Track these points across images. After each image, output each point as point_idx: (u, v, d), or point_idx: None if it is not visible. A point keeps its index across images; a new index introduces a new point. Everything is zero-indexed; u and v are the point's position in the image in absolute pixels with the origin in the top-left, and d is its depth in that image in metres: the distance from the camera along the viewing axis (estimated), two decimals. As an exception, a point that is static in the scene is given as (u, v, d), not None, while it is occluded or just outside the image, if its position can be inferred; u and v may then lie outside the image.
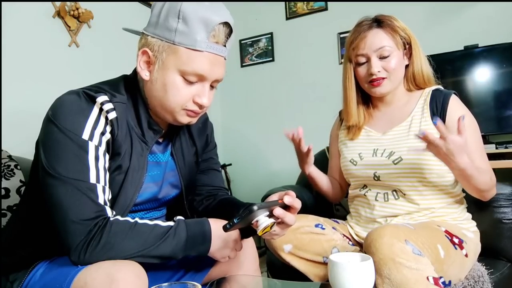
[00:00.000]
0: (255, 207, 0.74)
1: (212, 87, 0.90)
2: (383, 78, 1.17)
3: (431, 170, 1.13)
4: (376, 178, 1.19)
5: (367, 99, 1.30)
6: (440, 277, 0.93)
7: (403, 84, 1.25)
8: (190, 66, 0.83)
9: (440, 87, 1.24)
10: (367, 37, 1.17)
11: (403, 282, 0.88)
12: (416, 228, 1.00)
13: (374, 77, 1.17)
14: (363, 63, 1.20)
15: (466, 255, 1.07)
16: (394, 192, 1.18)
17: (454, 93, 1.20)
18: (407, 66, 1.23)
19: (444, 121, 1.14)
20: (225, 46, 0.86)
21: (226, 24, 0.85)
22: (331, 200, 1.45)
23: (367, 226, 1.23)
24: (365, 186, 1.25)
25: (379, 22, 1.19)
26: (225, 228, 0.76)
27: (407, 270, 0.88)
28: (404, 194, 1.16)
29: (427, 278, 0.89)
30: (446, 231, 1.07)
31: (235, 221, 0.75)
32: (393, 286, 0.89)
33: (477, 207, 1.28)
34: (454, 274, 1.03)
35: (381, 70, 1.17)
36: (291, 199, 0.82)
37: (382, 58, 1.17)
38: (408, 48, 1.21)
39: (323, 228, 1.21)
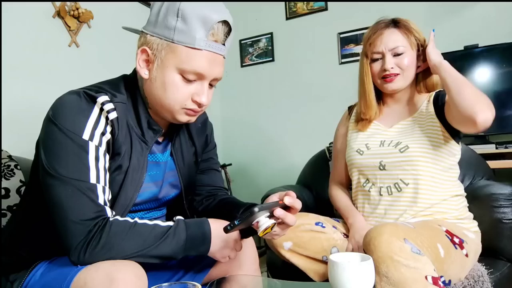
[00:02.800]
0: (256, 209, 0.74)
1: (211, 85, 0.90)
2: (396, 74, 1.21)
3: (437, 160, 1.16)
4: (381, 168, 1.21)
5: (378, 95, 1.33)
6: (441, 276, 0.93)
7: (414, 85, 1.29)
8: (189, 64, 0.83)
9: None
10: (384, 34, 1.22)
11: (401, 281, 0.88)
12: (416, 227, 1.01)
13: (387, 72, 1.21)
14: (378, 60, 1.24)
15: (467, 255, 1.08)
16: (397, 185, 1.19)
17: None
18: (419, 68, 1.26)
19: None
20: (224, 44, 0.86)
21: (225, 22, 0.84)
22: None
23: (368, 224, 1.23)
24: (367, 181, 1.26)
25: (395, 22, 1.24)
26: (226, 230, 0.76)
27: (405, 269, 0.88)
28: (407, 184, 1.18)
29: (426, 277, 0.89)
30: (447, 231, 1.07)
31: (236, 222, 0.74)
32: (391, 285, 0.89)
33: (477, 207, 1.28)
34: (454, 274, 1.03)
35: (394, 66, 1.21)
36: (292, 199, 0.82)
37: (396, 56, 1.21)
38: (422, 51, 1.24)
39: (324, 227, 1.21)
